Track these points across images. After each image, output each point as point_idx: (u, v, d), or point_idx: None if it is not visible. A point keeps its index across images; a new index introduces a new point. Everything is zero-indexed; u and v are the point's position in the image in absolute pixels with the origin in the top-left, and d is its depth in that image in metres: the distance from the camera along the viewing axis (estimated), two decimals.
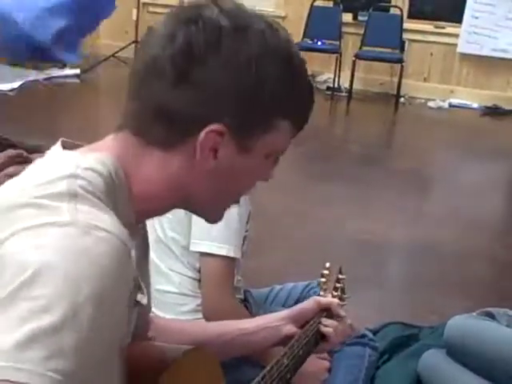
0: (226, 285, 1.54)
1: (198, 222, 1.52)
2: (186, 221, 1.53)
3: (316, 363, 1.56)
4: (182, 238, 1.56)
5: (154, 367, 0.80)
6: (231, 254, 1.51)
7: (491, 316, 1.96)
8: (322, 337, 1.26)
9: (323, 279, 1.48)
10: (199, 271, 1.56)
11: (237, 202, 0.90)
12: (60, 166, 0.73)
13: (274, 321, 1.20)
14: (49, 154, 0.80)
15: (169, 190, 0.81)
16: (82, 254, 0.63)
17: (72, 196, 0.68)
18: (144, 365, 0.77)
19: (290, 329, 1.20)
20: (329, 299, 1.33)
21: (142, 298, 0.78)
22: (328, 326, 1.25)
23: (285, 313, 1.23)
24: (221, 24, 0.76)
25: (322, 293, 1.46)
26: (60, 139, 0.81)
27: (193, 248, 1.54)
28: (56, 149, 0.80)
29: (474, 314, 1.99)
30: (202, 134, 0.77)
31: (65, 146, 0.80)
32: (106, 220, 0.68)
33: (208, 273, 1.54)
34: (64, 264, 0.61)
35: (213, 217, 0.90)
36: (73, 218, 0.65)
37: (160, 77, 0.76)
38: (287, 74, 0.80)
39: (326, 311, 1.28)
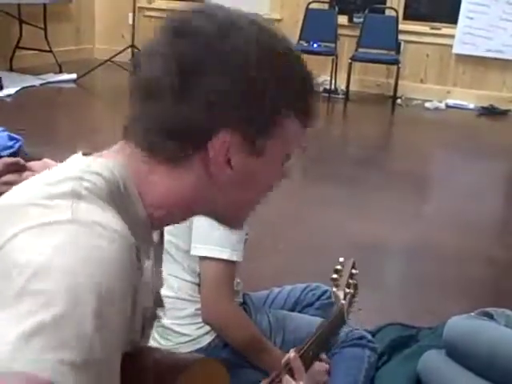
0: (226, 288, 1.54)
1: (198, 226, 1.52)
2: (185, 225, 1.52)
3: (315, 365, 1.56)
4: (181, 241, 1.56)
5: (168, 372, 0.80)
6: (233, 258, 1.51)
7: (490, 316, 1.96)
8: None
9: (335, 275, 1.43)
10: (199, 275, 1.56)
11: (254, 209, 0.88)
12: (69, 169, 0.76)
13: None
14: (68, 160, 0.81)
15: (186, 202, 0.80)
16: (82, 249, 0.64)
17: (75, 195, 0.70)
18: (159, 369, 0.77)
19: None
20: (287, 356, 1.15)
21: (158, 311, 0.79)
22: None
23: None
24: (207, 31, 0.75)
25: (334, 289, 1.42)
26: (81, 150, 0.81)
27: (194, 252, 1.54)
28: (76, 156, 0.81)
29: (473, 314, 1.99)
30: (209, 147, 0.76)
31: (85, 154, 0.81)
32: (108, 217, 0.69)
33: (209, 276, 1.53)
34: (64, 260, 0.63)
35: (235, 224, 0.90)
36: (74, 215, 0.67)
37: (160, 97, 0.76)
38: (278, 69, 0.78)
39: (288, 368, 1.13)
